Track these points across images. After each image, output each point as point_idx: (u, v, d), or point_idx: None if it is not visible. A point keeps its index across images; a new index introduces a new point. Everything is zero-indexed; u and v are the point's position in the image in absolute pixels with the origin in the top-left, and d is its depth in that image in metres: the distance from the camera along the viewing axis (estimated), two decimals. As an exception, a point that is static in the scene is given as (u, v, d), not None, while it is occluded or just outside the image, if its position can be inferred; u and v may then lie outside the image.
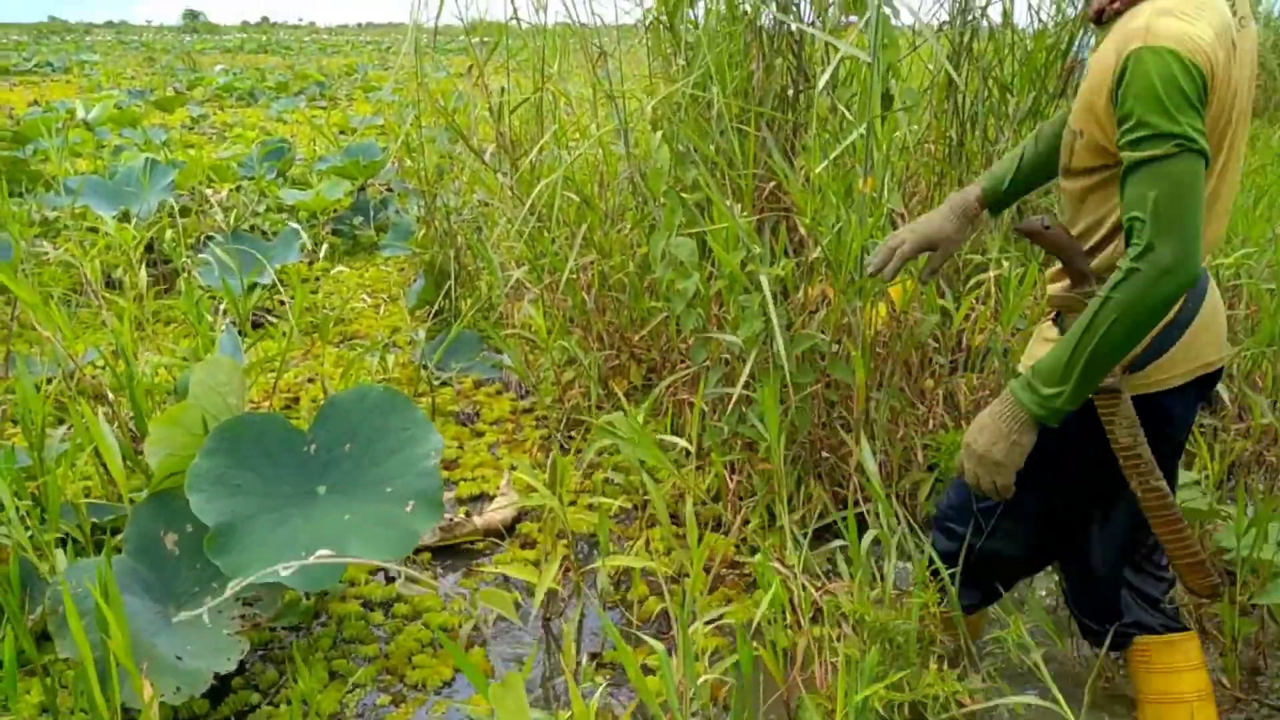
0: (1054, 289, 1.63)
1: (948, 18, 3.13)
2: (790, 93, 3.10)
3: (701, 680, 1.70)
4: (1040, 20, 3.15)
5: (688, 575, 1.98)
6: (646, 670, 2.08)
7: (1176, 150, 1.33)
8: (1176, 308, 1.49)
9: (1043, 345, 1.63)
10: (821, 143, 2.75)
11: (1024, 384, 1.50)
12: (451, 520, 2.61)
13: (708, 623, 2.01)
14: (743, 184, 2.78)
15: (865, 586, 1.84)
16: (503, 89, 3.68)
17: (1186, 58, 1.33)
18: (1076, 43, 3.07)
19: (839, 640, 1.88)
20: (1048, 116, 2.98)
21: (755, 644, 1.90)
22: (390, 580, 2.48)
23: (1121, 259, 1.38)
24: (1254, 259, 3.17)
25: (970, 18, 3.11)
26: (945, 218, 1.91)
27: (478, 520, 2.66)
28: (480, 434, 3.29)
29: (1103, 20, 1.51)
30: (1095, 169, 1.51)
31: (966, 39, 3.11)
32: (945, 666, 1.72)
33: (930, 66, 3.45)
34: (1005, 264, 2.70)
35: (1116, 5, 1.47)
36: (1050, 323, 1.68)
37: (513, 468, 2.89)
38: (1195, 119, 1.34)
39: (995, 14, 3.08)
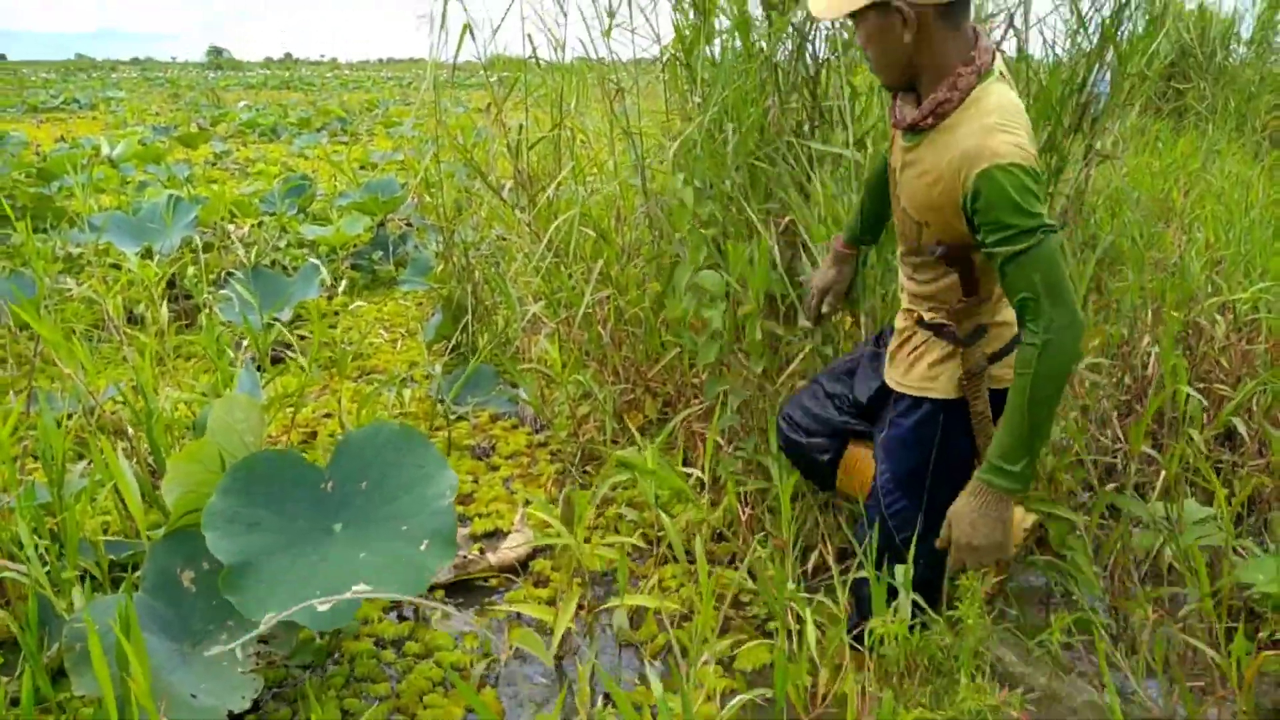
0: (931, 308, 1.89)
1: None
2: (806, 128, 3.11)
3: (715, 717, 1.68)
4: (1055, 54, 3.15)
5: (699, 613, 1.97)
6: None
7: (1041, 237, 1.59)
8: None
9: (913, 365, 1.90)
10: (837, 176, 2.77)
11: (993, 470, 1.70)
12: (465, 557, 2.61)
13: (718, 663, 2.00)
14: (757, 218, 2.79)
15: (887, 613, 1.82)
16: (521, 125, 3.72)
17: (1028, 165, 1.60)
18: (1093, 76, 3.07)
19: (864, 671, 1.87)
20: (1063, 151, 2.97)
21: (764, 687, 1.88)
22: (403, 619, 2.47)
23: (1026, 335, 1.64)
24: (1272, 292, 3.15)
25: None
26: (828, 265, 2.32)
27: (491, 558, 2.65)
28: (495, 468, 3.29)
29: (917, 130, 1.76)
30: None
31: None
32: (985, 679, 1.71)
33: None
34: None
35: (930, 120, 1.71)
36: (919, 334, 1.91)
37: (527, 502, 2.88)
38: (1043, 205, 1.61)
39: (1010, 47, 3.09)
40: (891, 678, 1.75)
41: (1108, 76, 3.11)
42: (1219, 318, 3.04)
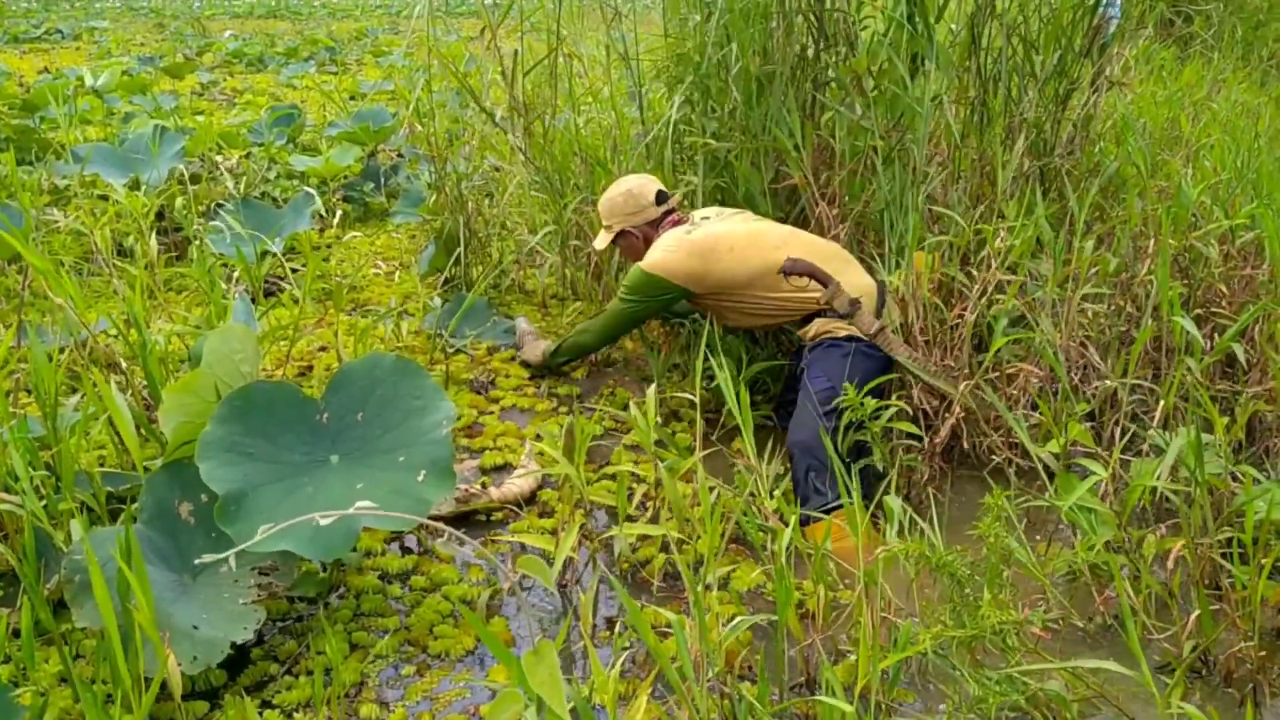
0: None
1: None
2: (810, 52, 3.04)
3: (721, 640, 1.68)
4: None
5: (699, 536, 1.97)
6: (663, 636, 2.07)
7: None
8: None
9: None
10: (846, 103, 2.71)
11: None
12: (467, 490, 2.60)
13: (721, 588, 2.00)
14: (760, 148, 2.74)
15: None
16: (516, 52, 3.62)
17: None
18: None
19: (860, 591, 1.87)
20: (1074, 76, 2.90)
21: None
22: (407, 552, 2.47)
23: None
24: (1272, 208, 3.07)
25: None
26: None
27: (494, 492, 2.64)
28: (496, 400, 3.27)
29: None
30: None
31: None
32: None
33: (952, 26, 3.38)
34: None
35: None
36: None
37: (538, 437, 2.87)
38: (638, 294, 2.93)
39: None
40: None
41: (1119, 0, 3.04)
42: (1214, 243, 2.99)
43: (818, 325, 2.75)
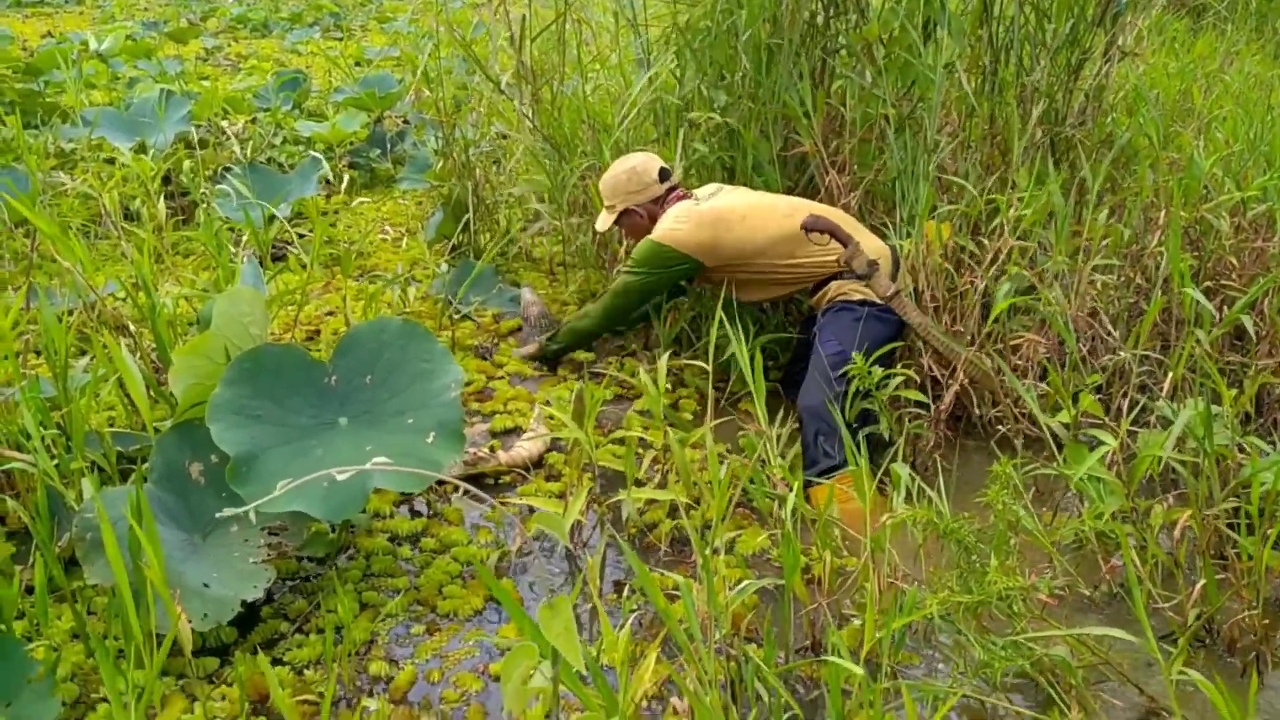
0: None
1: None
2: (820, 19, 3.01)
3: (728, 602, 1.70)
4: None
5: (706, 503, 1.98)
6: (672, 599, 2.08)
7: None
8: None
9: None
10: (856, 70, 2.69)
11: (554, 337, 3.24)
12: (475, 454, 2.61)
13: (728, 552, 2.01)
14: (768, 115, 2.72)
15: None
16: (524, 17, 3.59)
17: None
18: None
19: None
20: (1086, 45, 2.88)
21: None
22: (416, 515, 2.48)
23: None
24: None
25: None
26: None
27: (502, 456, 2.65)
28: (501, 365, 3.27)
29: None
30: None
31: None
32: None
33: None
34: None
35: None
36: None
37: (547, 402, 2.88)
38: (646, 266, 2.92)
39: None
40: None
41: None
42: (1225, 215, 2.97)
43: (834, 288, 2.75)
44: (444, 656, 1.99)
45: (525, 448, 2.70)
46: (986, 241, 2.72)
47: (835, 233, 2.66)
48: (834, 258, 2.70)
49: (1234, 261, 2.97)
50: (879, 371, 2.31)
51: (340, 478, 1.75)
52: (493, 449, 2.69)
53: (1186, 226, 2.96)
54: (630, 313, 3.07)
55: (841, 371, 2.50)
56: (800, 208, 2.78)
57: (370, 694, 1.90)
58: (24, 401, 2.01)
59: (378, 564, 2.25)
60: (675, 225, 2.81)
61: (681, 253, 2.79)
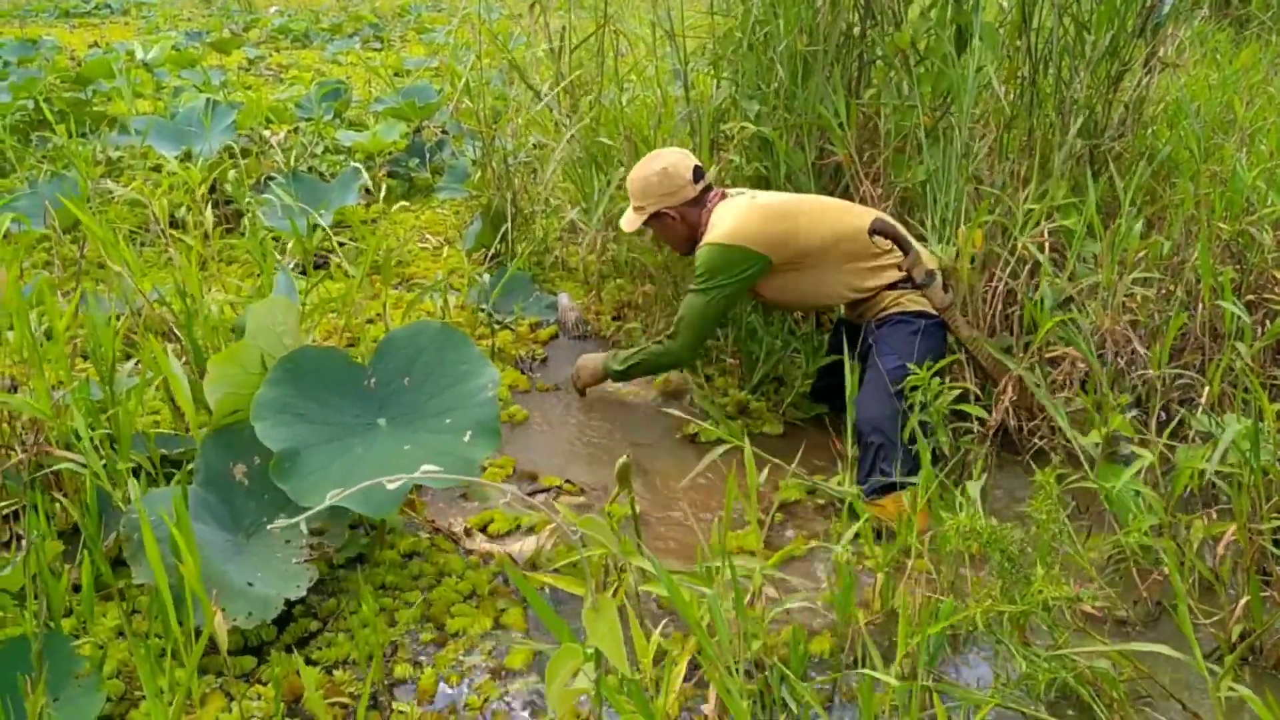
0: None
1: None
2: (856, 30, 3.02)
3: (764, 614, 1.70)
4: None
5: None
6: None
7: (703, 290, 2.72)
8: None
9: None
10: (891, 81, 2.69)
11: (613, 359, 2.94)
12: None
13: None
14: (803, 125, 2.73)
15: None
16: (564, 28, 3.63)
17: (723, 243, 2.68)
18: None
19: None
20: (1126, 57, 2.86)
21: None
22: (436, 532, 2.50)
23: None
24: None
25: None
26: None
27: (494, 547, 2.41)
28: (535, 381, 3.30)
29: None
30: None
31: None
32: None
33: (1004, 3, 3.33)
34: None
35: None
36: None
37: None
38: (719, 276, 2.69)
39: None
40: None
41: None
42: (1268, 228, 2.94)
43: (889, 299, 2.64)
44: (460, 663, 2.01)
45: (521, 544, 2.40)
46: (1021, 249, 2.70)
47: (899, 238, 2.59)
48: (888, 265, 2.62)
49: (1277, 275, 2.93)
50: (937, 384, 2.25)
51: (391, 487, 1.78)
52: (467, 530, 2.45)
53: (1228, 240, 2.93)
54: (713, 332, 2.92)
55: (900, 386, 2.40)
56: (861, 210, 2.71)
57: (395, 696, 1.92)
58: (74, 403, 2.06)
59: (400, 572, 2.27)
60: (739, 223, 2.61)
61: (754, 251, 2.60)
